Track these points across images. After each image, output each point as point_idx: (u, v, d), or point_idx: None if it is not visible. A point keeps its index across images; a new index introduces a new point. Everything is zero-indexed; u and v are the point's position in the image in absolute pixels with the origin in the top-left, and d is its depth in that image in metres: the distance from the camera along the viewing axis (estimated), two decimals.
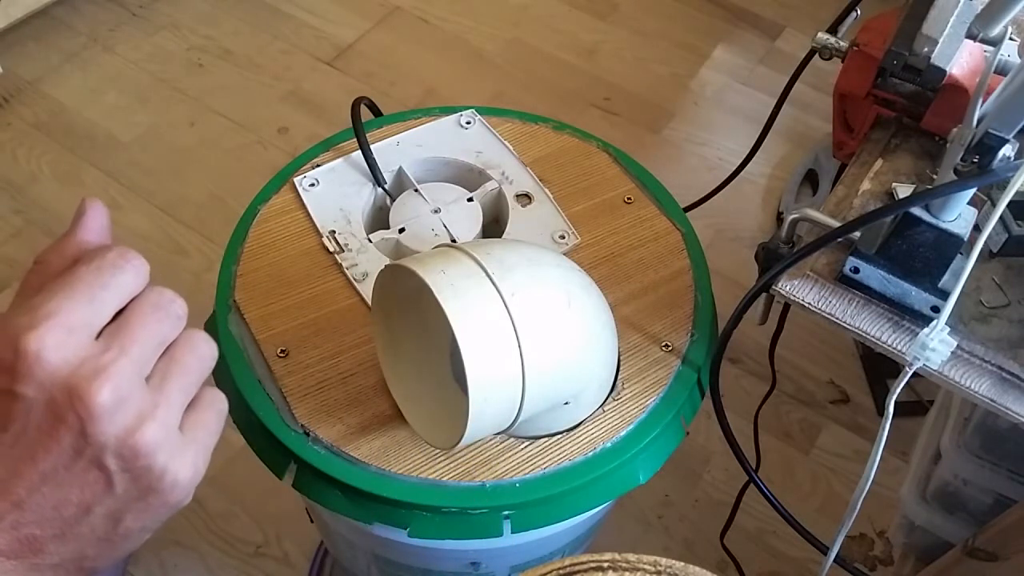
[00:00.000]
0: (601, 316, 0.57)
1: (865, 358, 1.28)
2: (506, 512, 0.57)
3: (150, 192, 1.43)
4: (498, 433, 0.56)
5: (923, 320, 0.56)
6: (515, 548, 0.69)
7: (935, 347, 0.51)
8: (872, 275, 0.57)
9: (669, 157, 1.53)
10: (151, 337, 0.38)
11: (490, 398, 0.49)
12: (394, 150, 0.73)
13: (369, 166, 0.71)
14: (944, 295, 0.55)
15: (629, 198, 0.72)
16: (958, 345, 0.53)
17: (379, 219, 0.72)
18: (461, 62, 1.66)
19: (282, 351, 0.62)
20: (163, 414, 0.37)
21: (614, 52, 1.69)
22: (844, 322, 0.57)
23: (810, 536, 0.68)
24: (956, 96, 0.61)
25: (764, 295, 0.61)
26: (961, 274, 0.50)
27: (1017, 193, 0.48)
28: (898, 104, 0.65)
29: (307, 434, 0.58)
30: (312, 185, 0.71)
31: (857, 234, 0.57)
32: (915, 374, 0.53)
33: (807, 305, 0.58)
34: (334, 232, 0.68)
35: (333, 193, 0.70)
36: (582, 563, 0.42)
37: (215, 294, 0.65)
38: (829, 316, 0.57)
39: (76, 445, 0.35)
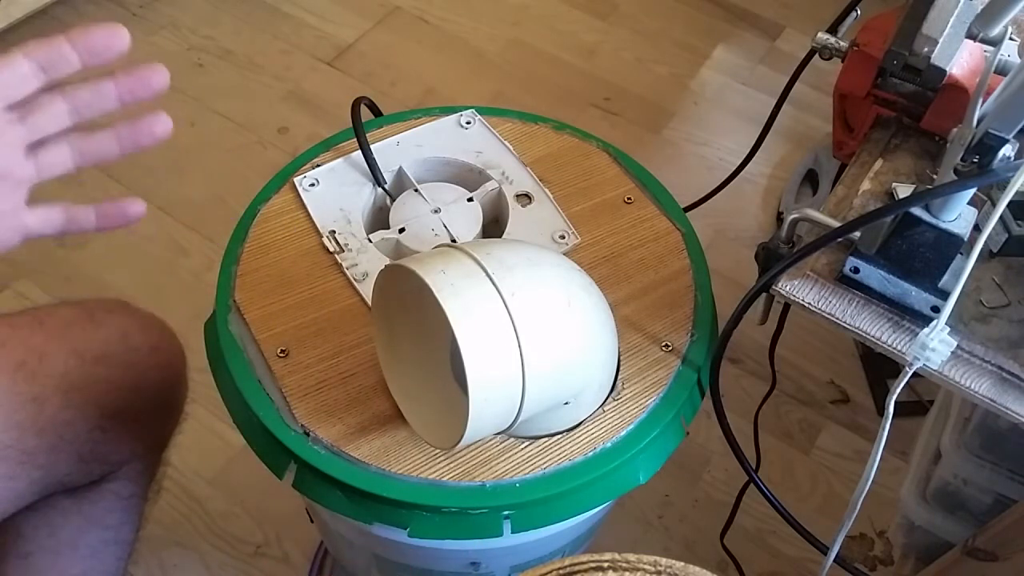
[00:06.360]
0: (601, 316, 0.57)
1: (865, 358, 1.28)
2: (506, 512, 0.57)
3: (150, 192, 1.42)
4: (498, 433, 0.56)
5: (923, 320, 0.56)
6: (515, 548, 0.69)
7: (935, 347, 0.51)
8: (872, 275, 0.57)
9: (669, 157, 1.53)
10: None
11: (490, 398, 0.49)
12: (394, 150, 0.73)
13: (369, 166, 0.71)
14: (944, 295, 0.55)
15: (629, 198, 0.72)
16: (958, 345, 0.53)
17: (379, 219, 0.72)
18: (461, 62, 1.66)
19: (282, 351, 0.62)
20: None
21: (614, 52, 1.69)
22: (844, 322, 0.57)
23: (810, 536, 0.68)
24: (956, 96, 0.61)
25: (764, 295, 0.61)
26: (961, 274, 0.50)
27: (1017, 193, 0.48)
28: (898, 104, 0.65)
29: (307, 434, 0.58)
30: (312, 185, 0.71)
31: (857, 234, 0.57)
32: (915, 374, 0.53)
33: (807, 305, 0.58)
34: (334, 232, 0.68)
35: (333, 193, 0.70)
36: (582, 563, 0.42)
37: (215, 294, 0.65)
38: (829, 316, 0.57)
39: None
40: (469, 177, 0.73)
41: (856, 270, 0.57)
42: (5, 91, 0.46)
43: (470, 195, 0.70)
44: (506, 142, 0.74)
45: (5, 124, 0.47)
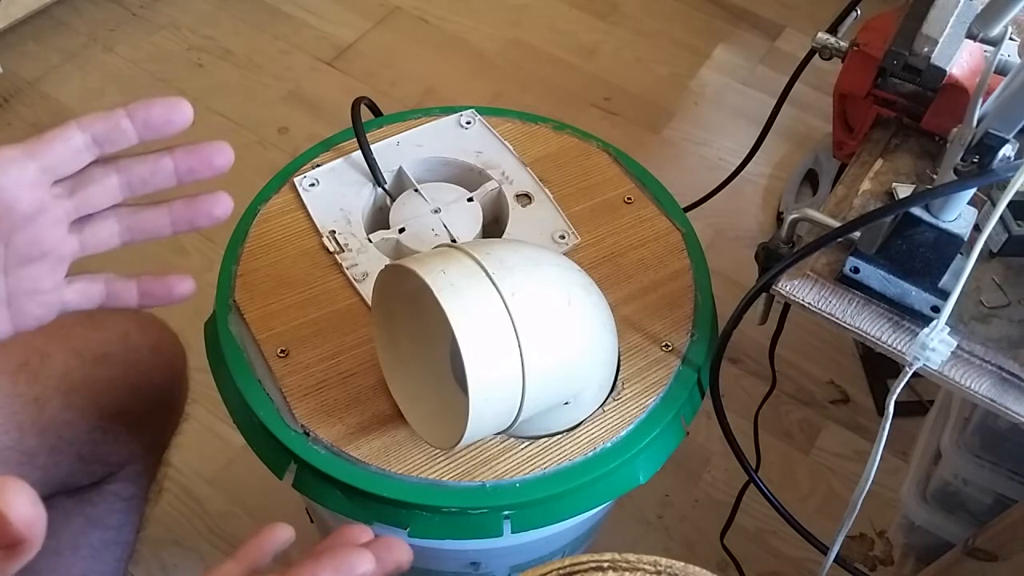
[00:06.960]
0: (601, 316, 0.57)
1: (865, 358, 1.28)
2: (506, 512, 0.57)
3: (149, 192, 1.43)
4: (498, 433, 0.56)
5: (923, 320, 0.56)
6: (515, 548, 0.69)
7: (935, 347, 0.51)
8: (872, 275, 0.57)
9: (669, 157, 1.53)
10: None
11: (490, 398, 0.49)
12: (394, 150, 0.73)
13: (369, 166, 0.71)
14: (944, 295, 0.55)
15: (629, 198, 0.72)
16: (958, 345, 0.53)
17: (379, 219, 0.72)
18: (461, 62, 1.66)
19: (282, 351, 0.62)
20: None
21: (614, 52, 1.69)
22: (844, 322, 0.57)
23: (810, 536, 0.68)
24: (956, 96, 0.61)
25: (764, 295, 0.61)
26: (961, 274, 0.50)
27: (1017, 193, 0.48)
28: (898, 104, 0.65)
29: (307, 434, 0.58)
30: (312, 185, 0.71)
31: (857, 234, 0.57)
32: (915, 374, 0.53)
33: (807, 305, 0.58)
34: (334, 232, 0.68)
35: (333, 193, 0.70)
36: (582, 563, 0.42)
37: (215, 294, 0.65)
38: (829, 316, 0.57)
39: None
40: (469, 177, 0.73)
41: (856, 270, 0.57)
42: (56, 166, 0.42)
43: (470, 195, 0.70)
44: (506, 142, 0.74)
45: (52, 199, 0.43)
